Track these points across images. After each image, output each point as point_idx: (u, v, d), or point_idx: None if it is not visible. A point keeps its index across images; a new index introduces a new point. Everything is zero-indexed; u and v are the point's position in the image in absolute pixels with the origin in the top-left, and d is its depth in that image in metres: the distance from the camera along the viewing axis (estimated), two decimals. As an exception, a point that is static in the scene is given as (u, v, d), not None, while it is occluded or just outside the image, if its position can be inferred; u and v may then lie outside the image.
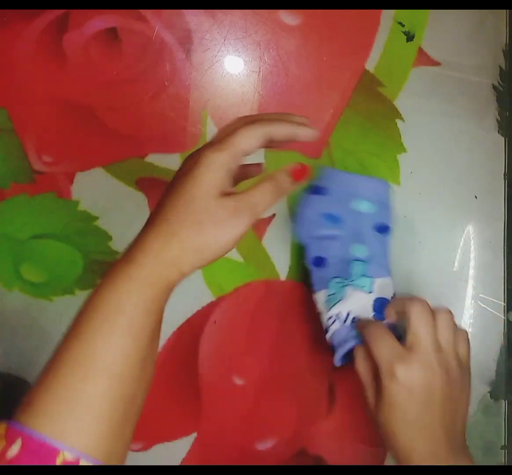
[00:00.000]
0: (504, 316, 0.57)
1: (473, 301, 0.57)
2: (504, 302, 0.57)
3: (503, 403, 0.57)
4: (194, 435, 0.53)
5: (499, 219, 0.58)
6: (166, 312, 0.54)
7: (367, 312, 0.46)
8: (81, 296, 0.53)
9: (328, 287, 0.48)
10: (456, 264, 0.57)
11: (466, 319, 0.57)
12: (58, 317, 0.53)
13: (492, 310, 0.57)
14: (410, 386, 0.38)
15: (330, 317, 0.46)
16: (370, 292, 0.46)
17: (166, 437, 0.54)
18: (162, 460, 0.53)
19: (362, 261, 0.48)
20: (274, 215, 0.55)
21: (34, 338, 0.53)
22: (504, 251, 0.58)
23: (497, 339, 0.57)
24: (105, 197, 0.53)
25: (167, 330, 0.54)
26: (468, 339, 0.43)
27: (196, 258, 0.34)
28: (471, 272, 0.57)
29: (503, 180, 0.58)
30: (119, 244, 0.53)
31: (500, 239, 0.58)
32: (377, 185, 0.51)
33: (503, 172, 0.58)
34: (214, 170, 0.33)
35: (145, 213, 0.53)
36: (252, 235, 0.54)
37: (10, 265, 0.52)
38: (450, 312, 0.42)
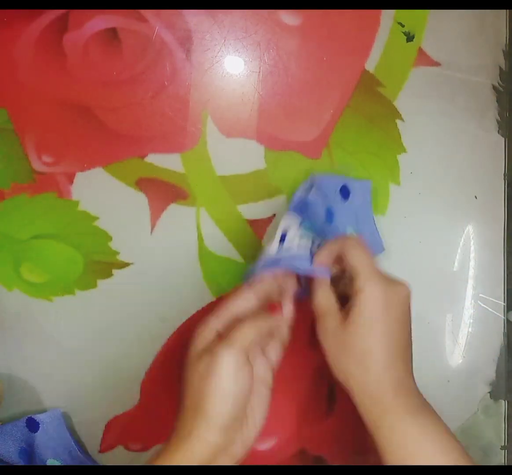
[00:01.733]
0: (504, 316, 0.57)
1: (473, 301, 0.57)
2: (504, 302, 0.57)
3: (503, 403, 0.57)
4: (194, 435, 0.53)
5: (499, 219, 0.58)
6: (166, 312, 0.54)
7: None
8: (81, 296, 0.53)
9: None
10: (456, 264, 0.57)
11: (466, 319, 0.57)
12: (58, 317, 0.53)
13: (492, 310, 0.57)
14: (390, 297, 0.38)
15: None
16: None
17: (166, 437, 0.54)
18: (162, 460, 0.53)
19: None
20: (274, 215, 0.55)
21: (34, 338, 0.53)
22: (504, 251, 0.58)
23: (497, 339, 0.57)
24: (105, 197, 0.53)
25: (167, 330, 0.54)
26: None
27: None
28: (471, 272, 0.57)
29: (503, 180, 0.58)
30: (119, 244, 0.53)
31: (500, 239, 0.58)
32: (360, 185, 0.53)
33: (503, 172, 0.58)
34: (230, 373, 0.37)
35: (145, 213, 0.53)
36: (252, 235, 0.54)
37: (10, 265, 0.52)
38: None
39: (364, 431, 0.42)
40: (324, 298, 0.41)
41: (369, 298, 0.38)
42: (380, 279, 0.39)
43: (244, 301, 0.42)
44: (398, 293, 0.39)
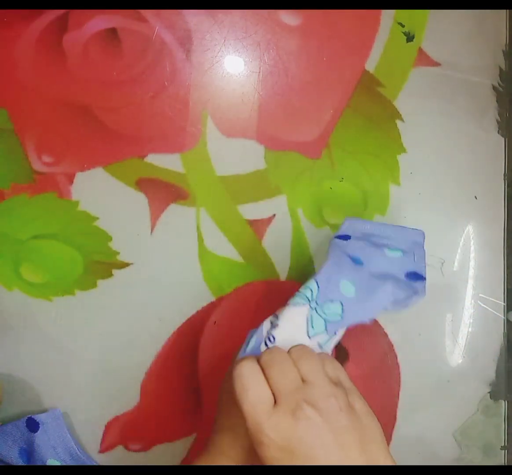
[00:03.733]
0: (504, 316, 0.57)
1: (473, 301, 0.57)
2: (504, 302, 0.57)
3: (503, 403, 0.57)
4: (194, 435, 0.53)
5: (499, 220, 0.58)
6: (166, 312, 0.54)
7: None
8: (81, 296, 0.53)
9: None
10: (456, 264, 0.57)
11: (466, 319, 0.57)
12: (58, 317, 0.53)
13: (492, 310, 0.57)
14: (282, 445, 0.33)
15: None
16: (317, 336, 0.40)
17: (166, 437, 0.54)
18: (162, 460, 0.53)
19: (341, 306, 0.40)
20: (274, 215, 0.55)
21: (34, 338, 0.53)
22: (504, 251, 0.58)
23: (497, 339, 0.57)
24: (105, 197, 0.53)
25: (167, 330, 0.54)
26: (334, 361, 0.38)
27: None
28: (471, 272, 0.57)
29: (503, 181, 0.58)
30: (119, 244, 0.53)
31: (500, 239, 0.58)
32: (410, 235, 0.47)
33: (503, 172, 0.58)
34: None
35: (145, 213, 0.53)
36: (252, 235, 0.54)
37: (10, 265, 0.52)
38: (303, 345, 0.37)
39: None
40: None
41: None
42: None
43: None
44: (310, 426, 0.33)
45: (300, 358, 0.36)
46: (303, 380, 0.34)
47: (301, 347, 0.37)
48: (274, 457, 0.33)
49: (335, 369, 0.37)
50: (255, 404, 0.33)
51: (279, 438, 0.32)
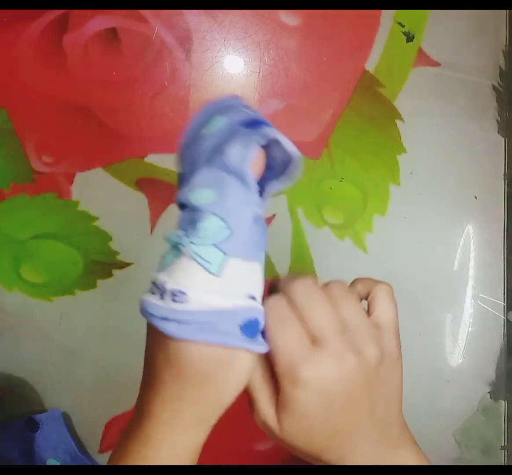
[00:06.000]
0: (504, 316, 0.57)
1: (473, 301, 0.57)
2: (504, 302, 0.57)
3: (503, 403, 0.57)
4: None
5: (499, 219, 0.58)
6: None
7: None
8: (81, 296, 0.53)
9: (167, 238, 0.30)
10: (456, 264, 0.57)
11: (466, 319, 0.57)
12: (58, 317, 0.53)
13: (492, 310, 0.57)
14: (324, 390, 0.30)
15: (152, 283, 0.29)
16: (213, 274, 0.29)
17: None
18: (162, 460, 0.53)
19: (219, 218, 0.29)
20: (274, 215, 0.55)
21: (34, 338, 0.53)
22: (504, 251, 0.58)
23: (497, 339, 0.57)
24: (105, 197, 0.53)
25: (167, 330, 0.54)
26: (392, 304, 0.34)
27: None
28: (471, 272, 0.57)
29: (503, 180, 0.58)
30: (119, 244, 0.53)
31: (500, 239, 0.58)
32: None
33: (503, 172, 0.58)
34: None
35: (145, 213, 0.53)
36: (252, 235, 0.54)
37: (10, 265, 0.52)
38: (341, 282, 0.34)
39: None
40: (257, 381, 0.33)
41: (303, 402, 0.30)
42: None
43: None
44: (350, 370, 0.31)
45: (342, 299, 0.32)
46: (345, 325, 0.32)
47: (338, 285, 0.33)
48: (309, 399, 0.30)
49: (386, 311, 0.34)
50: (293, 345, 0.30)
51: (319, 380, 0.30)
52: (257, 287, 0.30)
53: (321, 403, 0.30)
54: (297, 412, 0.30)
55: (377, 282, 0.35)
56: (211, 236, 0.29)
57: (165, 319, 0.28)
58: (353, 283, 0.36)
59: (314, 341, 0.31)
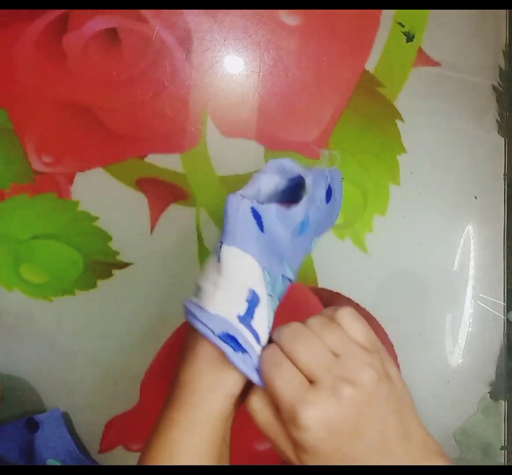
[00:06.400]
0: (504, 316, 0.57)
1: (473, 301, 0.57)
2: (504, 302, 0.57)
3: (503, 403, 0.57)
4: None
5: (499, 219, 0.58)
6: (166, 312, 0.54)
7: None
8: (81, 296, 0.53)
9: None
10: (456, 264, 0.57)
11: (466, 319, 0.57)
12: (58, 317, 0.53)
13: (492, 310, 0.57)
14: (326, 426, 0.30)
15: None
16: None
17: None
18: (162, 460, 0.53)
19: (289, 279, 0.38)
20: (274, 215, 0.55)
21: (34, 338, 0.53)
22: (504, 251, 0.58)
23: (497, 339, 0.57)
24: (105, 197, 0.53)
25: (167, 330, 0.54)
26: (363, 322, 0.34)
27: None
28: (471, 272, 0.57)
29: (503, 181, 0.58)
30: (119, 244, 0.53)
31: (500, 239, 0.58)
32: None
33: (503, 172, 0.58)
34: None
35: (145, 213, 0.53)
36: (252, 235, 0.54)
37: (10, 265, 0.52)
38: (318, 316, 0.34)
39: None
40: (263, 417, 0.34)
41: (312, 443, 0.31)
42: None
43: None
44: (350, 400, 0.31)
45: (323, 330, 0.33)
46: (333, 353, 0.32)
47: (317, 317, 0.34)
48: (315, 437, 0.31)
49: (361, 331, 0.34)
50: (289, 389, 0.31)
51: (322, 419, 0.30)
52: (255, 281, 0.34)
53: (328, 438, 0.31)
54: (309, 450, 0.31)
55: (336, 309, 0.35)
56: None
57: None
58: (321, 313, 0.36)
59: (310, 381, 0.32)
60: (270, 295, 0.35)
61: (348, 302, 0.55)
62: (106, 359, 0.53)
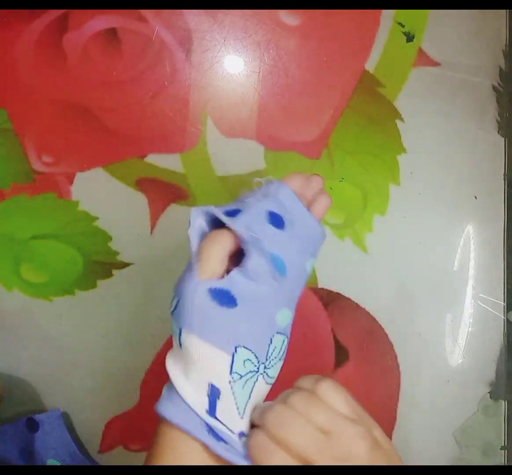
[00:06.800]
0: (504, 316, 0.57)
1: (473, 301, 0.57)
2: (504, 302, 0.57)
3: (503, 403, 0.57)
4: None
5: (498, 219, 0.58)
6: (166, 312, 0.54)
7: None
8: (81, 296, 0.53)
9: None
10: (456, 264, 0.57)
11: (466, 319, 0.57)
12: (58, 317, 0.53)
13: (492, 310, 0.57)
14: None
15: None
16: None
17: (166, 437, 0.54)
18: (162, 460, 0.53)
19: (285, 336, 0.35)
20: (274, 215, 0.55)
21: (34, 338, 0.53)
22: (504, 251, 0.58)
23: (497, 339, 0.57)
24: (105, 197, 0.53)
25: (167, 330, 0.54)
26: (344, 392, 0.34)
27: None
28: (471, 272, 0.57)
29: (503, 181, 0.58)
30: (119, 244, 0.53)
31: (500, 239, 0.58)
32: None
33: (503, 172, 0.58)
34: None
35: (145, 213, 0.53)
36: (252, 235, 0.54)
37: (10, 265, 0.52)
38: (298, 391, 0.33)
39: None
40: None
41: None
42: None
43: None
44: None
45: (308, 409, 0.32)
46: (323, 432, 0.31)
47: (298, 393, 0.33)
48: None
49: (345, 403, 0.33)
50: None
51: None
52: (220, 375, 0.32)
53: None
54: None
55: (315, 381, 0.34)
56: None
57: None
58: (296, 384, 0.35)
59: (306, 462, 0.31)
60: (236, 381, 0.32)
61: (348, 302, 0.55)
62: (106, 359, 0.53)
